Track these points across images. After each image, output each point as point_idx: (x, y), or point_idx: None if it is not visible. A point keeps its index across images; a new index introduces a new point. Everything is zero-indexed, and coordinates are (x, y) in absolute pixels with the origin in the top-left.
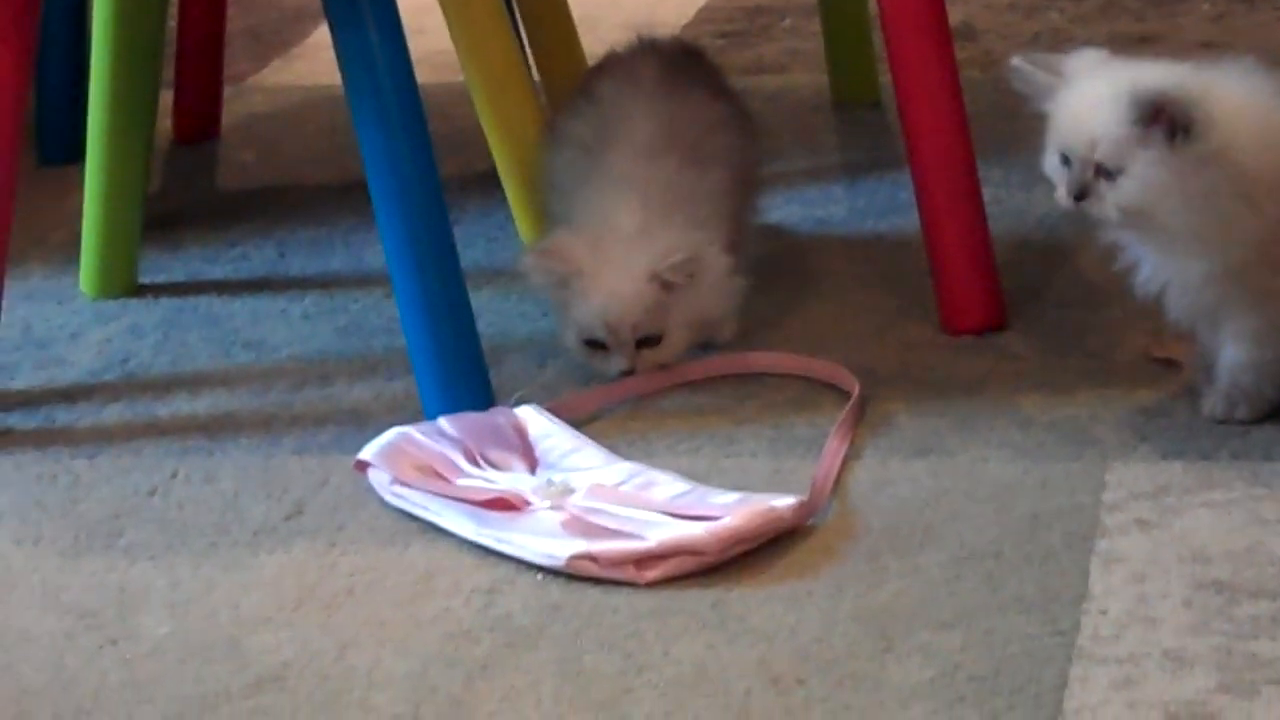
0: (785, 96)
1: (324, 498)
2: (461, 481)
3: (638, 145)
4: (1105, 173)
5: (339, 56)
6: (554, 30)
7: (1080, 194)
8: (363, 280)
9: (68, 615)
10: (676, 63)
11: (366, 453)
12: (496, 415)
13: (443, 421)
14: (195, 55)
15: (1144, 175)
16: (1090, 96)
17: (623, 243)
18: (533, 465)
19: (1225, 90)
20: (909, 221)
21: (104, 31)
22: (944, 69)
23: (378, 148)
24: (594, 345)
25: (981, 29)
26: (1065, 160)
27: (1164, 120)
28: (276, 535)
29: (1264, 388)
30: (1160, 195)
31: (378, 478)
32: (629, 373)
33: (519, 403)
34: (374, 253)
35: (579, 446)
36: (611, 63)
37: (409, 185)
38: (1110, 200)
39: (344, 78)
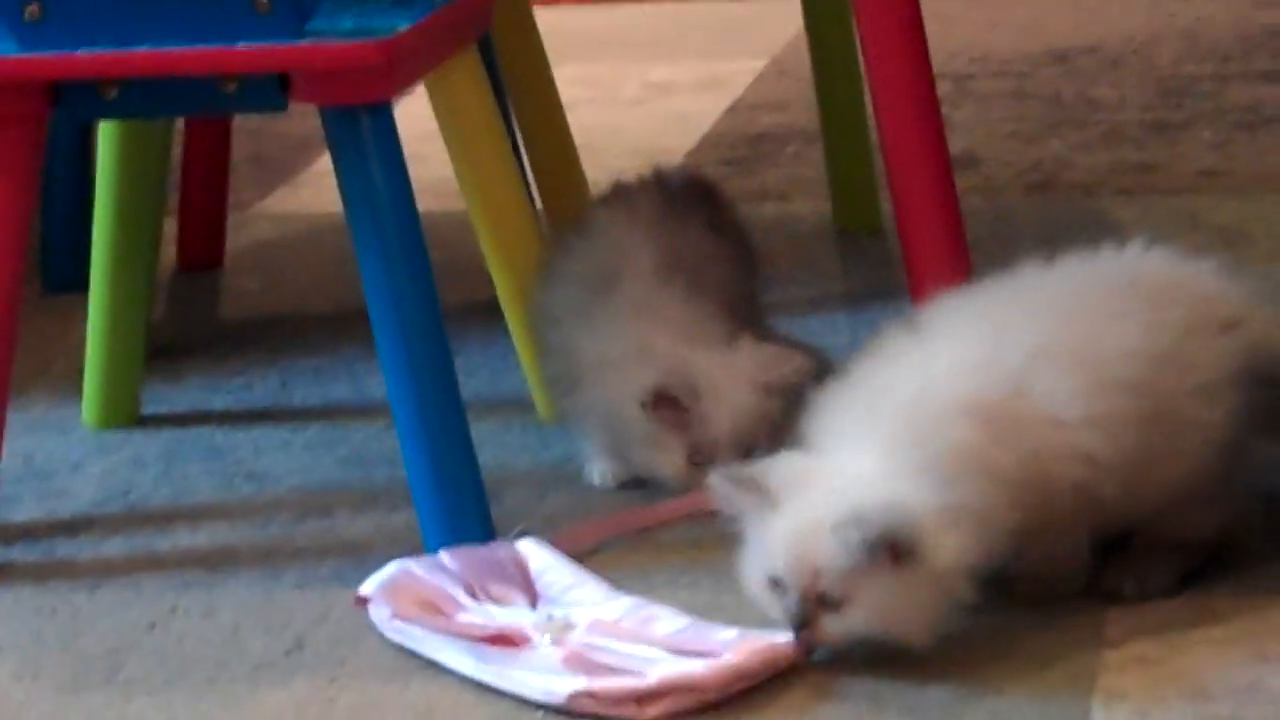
0: (787, 224)
1: (324, 632)
2: (461, 616)
3: (645, 274)
4: (828, 602)
5: (340, 186)
6: (556, 159)
7: (803, 623)
8: (365, 410)
9: None
10: (678, 195)
11: (367, 587)
12: (497, 549)
13: (443, 555)
14: (200, 183)
15: (873, 603)
16: (806, 523)
17: (720, 358)
18: (533, 599)
19: (938, 497)
20: None
21: (109, 160)
22: (944, 197)
23: (379, 278)
24: (698, 463)
25: (983, 157)
26: (775, 584)
27: (888, 547)
28: (276, 670)
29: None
30: (892, 618)
31: (378, 613)
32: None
33: (519, 536)
34: (377, 382)
35: (579, 581)
36: (610, 198)
37: (410, 316)
38: (838, 629)
39: (345, 207)
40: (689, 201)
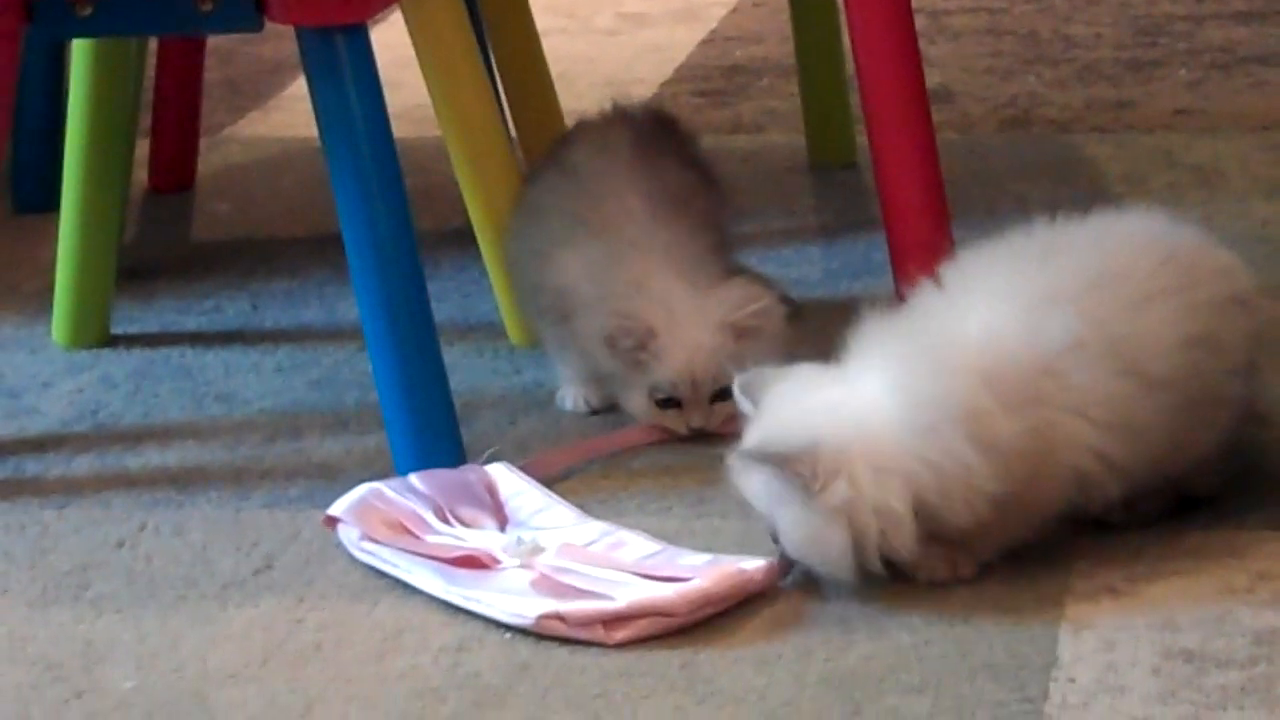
0: (761, 156)
1: (293, 552)
2: (431, 538)
3: (632, 212)
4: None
5: (316, 111)
6: (532, 87)
7: (775, 539)
8: (336, 334)
9: (33, 667)
10: (646, 130)
11: (336, 508)
12: (467, 473)
13: (413, 478)
14: (172, 105)
15: (788, 535)
16: (739, 455)
17: (691, 298)
18: (503, 523)
19: (875, 421)
20: (884, 282)
21: (81, 80)
22: (920, 131)
23: (353, 201)
24: (666, 404)
25: (958, 91)
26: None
27: (785, 478)
28: (245, 590)
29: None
30: (805, 548)
31: (347, 533)
32: (701, 429)
33: (490, 460)
34: (347, 306)
35: (549, 505)
36: (579, 133)
37: (384, 241)
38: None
39: (321, 133)
40: (658, 137)
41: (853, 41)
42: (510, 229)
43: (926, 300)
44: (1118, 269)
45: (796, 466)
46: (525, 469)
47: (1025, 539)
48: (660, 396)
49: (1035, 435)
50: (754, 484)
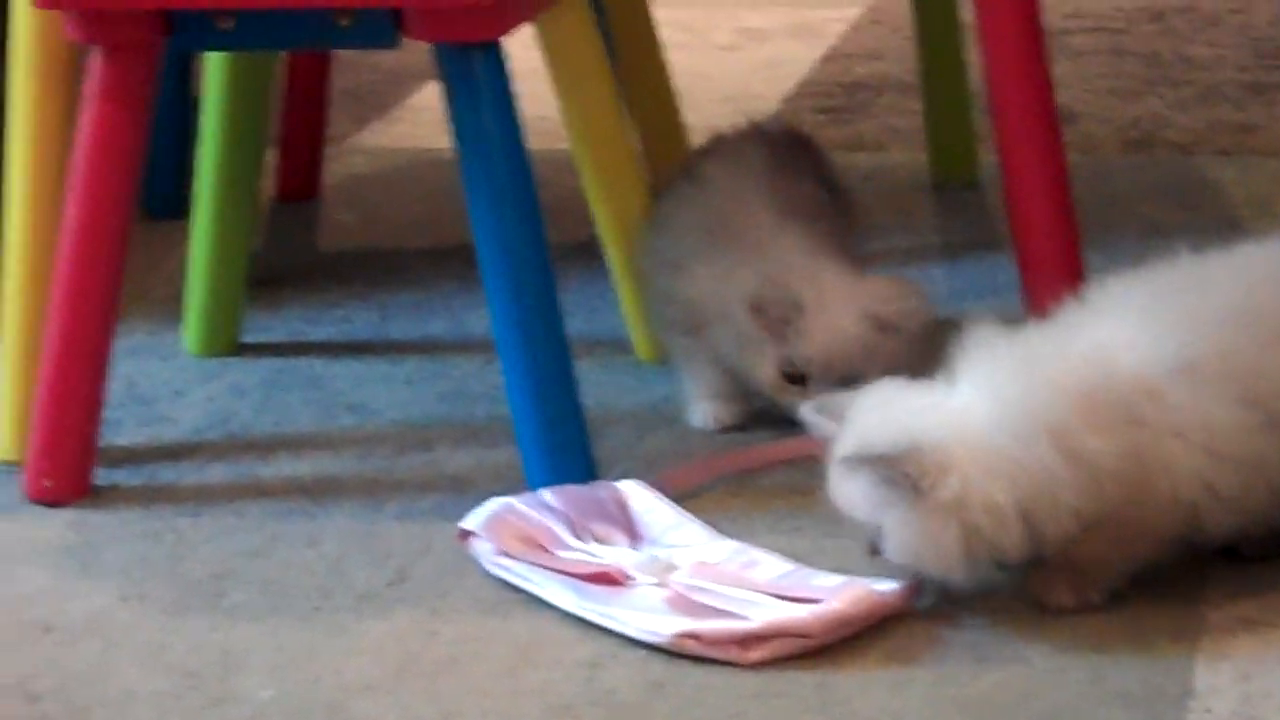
0: (883, 174)
1: (427, 565)
2: (564, 554)
3: (774, 220)
4: (875, 535)
5: (451, 123)
6: (656, 102)
7: (875, 550)
8: (464, 346)
9: (172, 675)
10: (781, 146)
11: (470, 522)
12: (599, 489)
13: (546, 493)
14: (300, 114)
15: (895, 539)
16: (836, 464)
17: (840, 282)
18: (635, 540)
19: (970, 425)
20: (1008, 303)
21: (216, 89)
22: (1052, 151)
23: (487, 215)
24: (791, 379)
25: (1081, 112)
26: None
27: (892, 482)
28: (379, 601)
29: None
30: (915, 551)
31: (480, 547)
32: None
33: (622, 476)
34: (475, 318)
35: (681, 523)
36: (714, 148)
37: (518, 253)
38: (889, 555)
39: (456, 144)
40: (792, 153)
41: (984, 59)
42: (641, 241)
43: (1047, 320)
44: (1255, 303)
45: (904, 465)
46: (656, 485)
47: (1147, 565)
48: (790, 370)
49: (1130, 457)
50: (855, 491)
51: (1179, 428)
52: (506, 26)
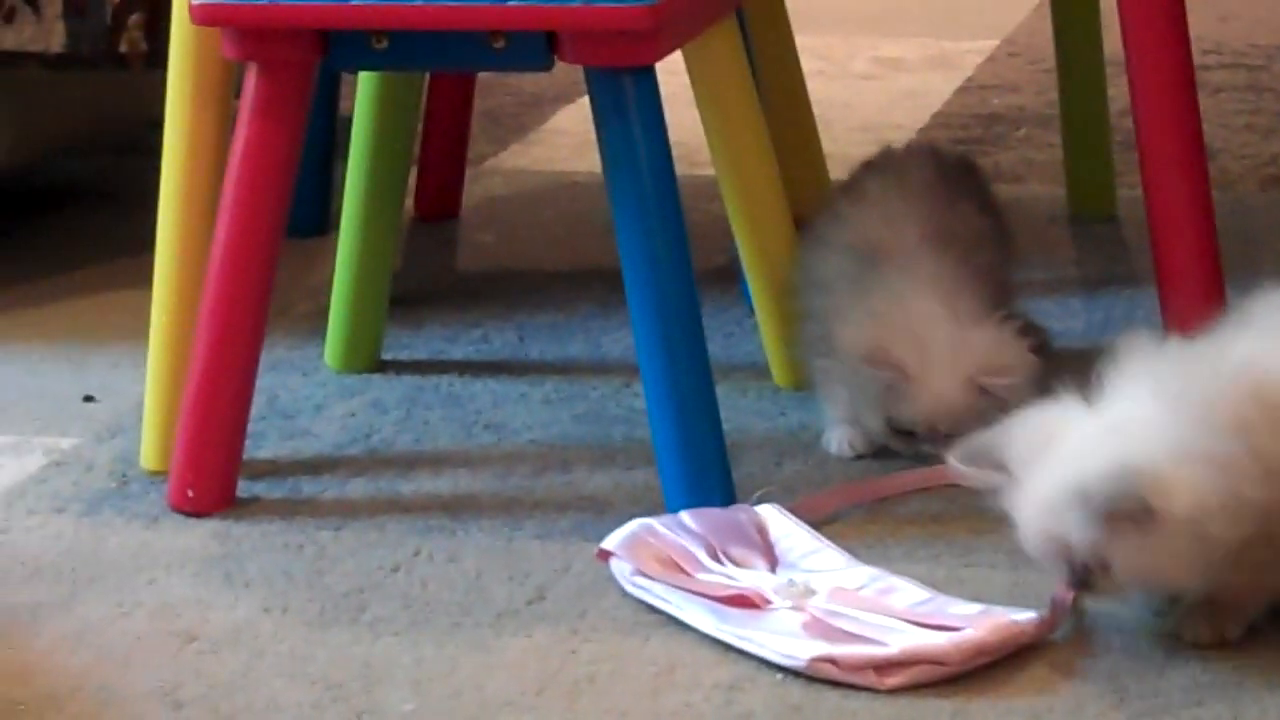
0: (1021, 206)
1: (565, 584)
2: (702, 576)
3: (916, 245)
4: (1094, 567)
5: (601, 146)
6: (797, 129)
7: (1083, 586)
8: (601, 368)
9: (315, 686)
10: (947, 170)
11: (609, 542)
12: (738, 512)
13: (685, 515)
14: (442, 135)
15: (1131, 564)
16: (1044, 502)
17: (948, 344)
18: (773, 564)
19: (1180, 444)
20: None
21: (366, 109)
22: (1198, 187)
23: (635, 239)
24: (901, 431)
25: (1218, 148)
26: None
27: (1125, 511)
28: (519, 619)
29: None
30: (1157, 572)
31: (619, 567)
32: (926, 456)
33: (760, 501)
34: (612, 341)
35: (819, 548)
36: (880, 165)
37: (664, 277)
38: (1110, 588)
39: (605, 168)
40: (957, 178)
41: (1133, 92)
42: (797, 256)
43: (1191, 339)
44: None
45: (1134, 491)
46: (794, 511)
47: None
48: (894, 426)
49: None
50: (1071, 528)
51: None
52: (660, 52)
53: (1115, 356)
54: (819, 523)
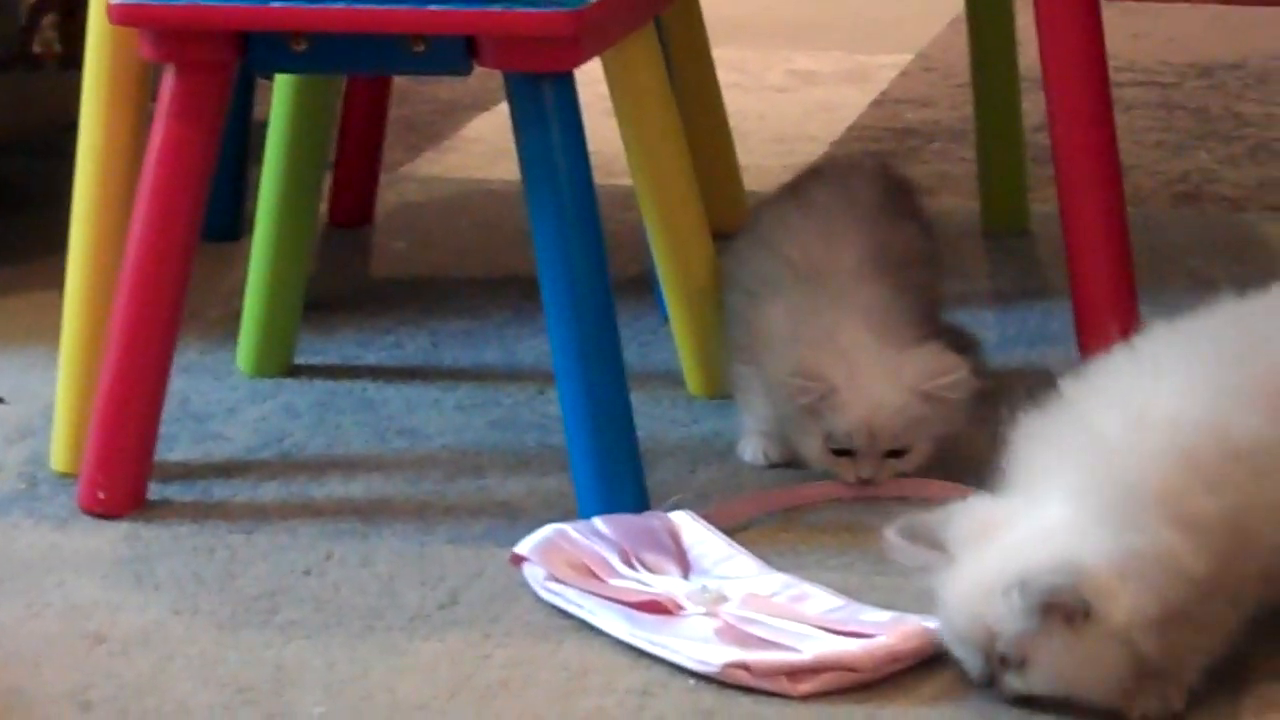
0: (935, 221)
1: (478, 588)
2: (615, 581)
3: (854, 268)
4: (1009, 662)
5: (519, 151)
6: (713, 139)
7: (989, 682)
8: (515, 375)
9: (226, 688)
10: (891, 186)
11: (522, 547)
12: (651, 519)
13: (598, 521)
14: (356, 141)
15: (1050, 663)
16: (979, 586)
17: (879, 355)
18: (686, 570)
19: (1122, 549)
20: (1060, 350)
21: (282, 113)
22: (1113, 200)
23: (552, 243)
24: (839, 453)
25: (1130, 164)
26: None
27: (1057, 611)
28: (431, 623)
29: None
30: (1071, 678)
31: (532, 572)
32: (869, 481)
33: (674, 507)
34: (526, 348)
35: (732, 555)
36: (826, 174)
37: (581, 283)
38: (1020, 687)
39: (523, 173)
40: (900, 196)
41: (1049, 103)
42: (730, 254)
43: (1104, 383)
44: None
45: (1076, 593)
46: (707, 518)
47: (1220, 652)
48: (831, 445)
49: (1232, 515)
50: (1001, 619)
51: (1268, 496)
52: (581, 58)
53: (1027, 431)
54: (732, 529)
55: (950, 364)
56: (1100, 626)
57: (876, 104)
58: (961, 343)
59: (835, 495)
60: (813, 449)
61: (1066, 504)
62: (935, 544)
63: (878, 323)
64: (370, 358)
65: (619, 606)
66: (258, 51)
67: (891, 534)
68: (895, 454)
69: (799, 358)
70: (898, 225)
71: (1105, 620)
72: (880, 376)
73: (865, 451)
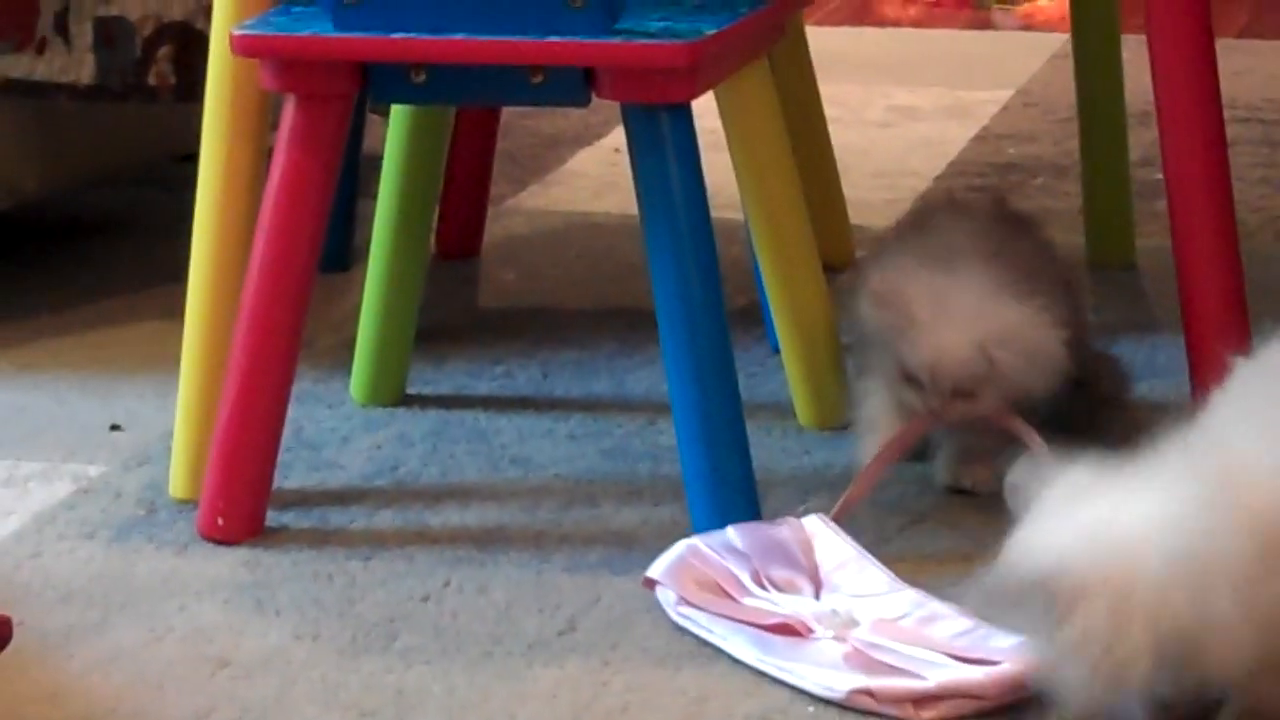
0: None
1: (596, 615)
2: (747, 601)
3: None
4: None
5: (636, 183)
6: (820, 173)
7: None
8: (625, 405)
9: (348, 713)
10: (1009, 216)
11: (654, 570)
12: (783, 527)
13: (731, 533)
14: (465, 173)
15: (1033, 655)
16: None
17: (964, 304)
18: (817, 587)
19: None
20: (1168, 384)
21: (398, 144)
22: (1226, 236)
23: (669, 274)
24: (911, 381)
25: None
26: None
27: (1041, 603)
28: (550, 650)
29: None
30: (1048, 675)
31: (665, 596)
32: (935, 413)
33: (806, 514)
34: (635, 379)
35: (864, 567)
36: (944, 205)
37: (697, 313)
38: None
39: (640, 204)
40: (1019, 223)
41: (1162, 137)
42: (860, 277)
43: (1219, 420)
44: None
45: (1043, 592)
46: (836, 519)
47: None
48: (904, 374)
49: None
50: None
51: None
52: (697, 89)
53: (1155, 433)
54: (855, 510)
55: (1036, 339)
56: (1058, 635)
57: (978, 139)
58: (1107, 368)
59: (915, 434)
60: (889, 371)
61: (1148, 507)
62: (1026, 501)
63: (978, 283)
64: (481, 388)
65: (750, 631)
66: (378, 82)
67: (1012, 476)
68: (963, 395)
69: (894, 279)
70: (1017, 243)
71: (1063, 632)
72: (959, 321)
73: (930, 388)
